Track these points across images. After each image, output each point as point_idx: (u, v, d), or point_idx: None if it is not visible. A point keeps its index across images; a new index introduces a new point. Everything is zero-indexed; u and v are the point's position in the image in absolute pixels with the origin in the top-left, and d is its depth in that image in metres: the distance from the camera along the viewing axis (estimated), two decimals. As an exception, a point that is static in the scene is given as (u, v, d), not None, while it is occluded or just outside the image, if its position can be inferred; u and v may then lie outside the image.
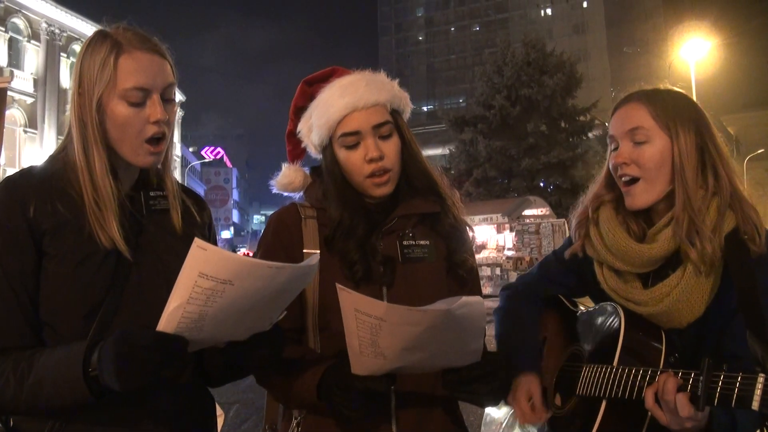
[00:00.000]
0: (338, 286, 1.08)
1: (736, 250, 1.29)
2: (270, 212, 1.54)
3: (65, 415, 1.13)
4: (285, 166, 1.53)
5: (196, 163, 52.62)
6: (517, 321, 1.60)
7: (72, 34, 27.72)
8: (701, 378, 1.07)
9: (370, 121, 1.36)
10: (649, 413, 1.20)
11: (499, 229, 20.19)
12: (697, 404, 1.08)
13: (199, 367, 1.32)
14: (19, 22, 25.64)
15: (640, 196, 1.39)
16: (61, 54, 27.37)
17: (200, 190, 50.94)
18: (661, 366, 1.28)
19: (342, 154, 1.38)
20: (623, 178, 1.40)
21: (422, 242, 1.41)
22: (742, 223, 1.31)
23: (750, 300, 1.21)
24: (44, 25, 26.64)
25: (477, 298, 1.09)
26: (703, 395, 1.06)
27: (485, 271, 18.97)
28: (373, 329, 1.07)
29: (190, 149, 56.82)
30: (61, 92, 26.76)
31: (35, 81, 26.24)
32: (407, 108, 1.46)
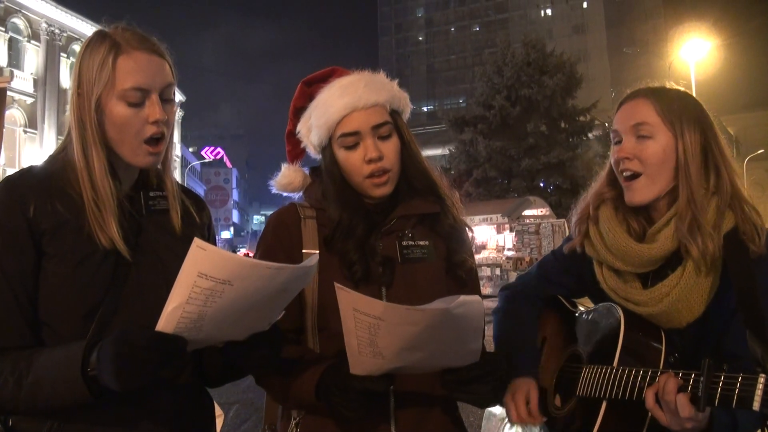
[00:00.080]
0: (336, 285, 1.08)
1: (735, 250, 1.29)
2: (270, 212, 1.54)
3: (64, 414, 1.13)
4: (284, 167, 1.53)
5: (195, 163, 52.64)
6: (516, 322, 1.60)
7: (72, 34, 27.74)
8: (702, 379, 1.07)
9: (369, 121, 1.36)
10: (650, 414, 1.20)
11: (499, 230, 20.18)
12: (697, 405, 1.08)
13: (199, 367, 1.32)
14: (19, 22, 25.65)
15: (640, 192, 1.39)
16: (61, 54, 27.39)
17: (200, 191, 50.94)
18: (661, 366, 1.28)
19: (341, 154, 1.38)
20: (624, 173, 1.40)
21: (421, 243, 1.41)
22: (741, 222, 1.32)
23: (749, 300, 1.21)
24: (44, 25, 26.65)
25: (475, 298, 1.09)
26: (703, 396, 1.06)
27: (485, 272, 18.96)
28: (372, 329, 1.07)
29: (190, 149, 56.85)
30: (61, 92, 26.76)
31: (35, 81, 26.26)
32: (407, 108, 1.46)
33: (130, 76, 1.19)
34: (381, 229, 1.39)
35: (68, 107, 1.25)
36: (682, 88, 1.45)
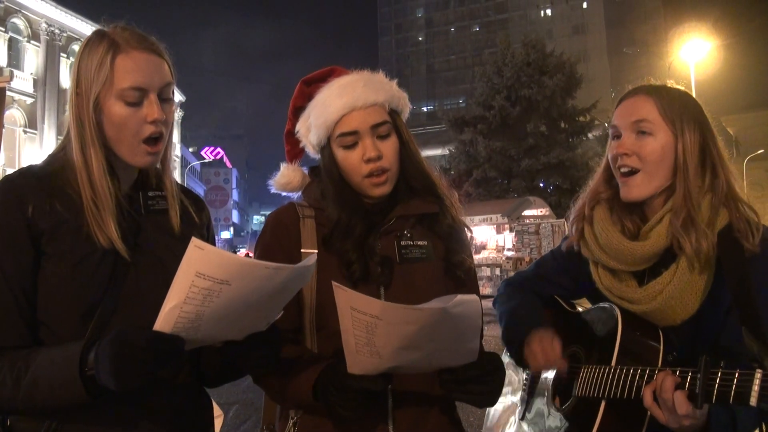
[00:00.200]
0: (334, 284, 1.08)
1: (729, 248, 1.29)
2: (270, 212, 1.53)
3: (62, 414, 1.13)
4: (283, 166, 1.53)
5: (195, 163, 52.63)
6: (523, 300, 1.62)
7: (72, 35, 27.74)
8: (699, 376, 1.07)
9: (368, 120, 1.36)
10: (649, 413, 1.20)
11: (499, 230, 20.16)
12: (695, 402, 1.08)
13: (197, 367, 1.32)
14: (19, 22, 25.66)
15: (637, 188, 1.39)
16: (61, 54, 27.39)
17: (200, 191, 50.95)
18: (659, 365, 1.28)
19: (340, 153, 1.38)
20: (622, 169, 1.41)
21: (420, 243, 1.41)
22: (735, 220, 1.32)
23: (744, 297, 1.21)
24: (44, 25, 26.65)
25: (473, 297, 1.09)
26: (701, 393, 1.07)
27: (485, 272, 18.94)
28: (369, 328, 1.07)
29: (190, 149, 56.83)
30: (60, 92, 26.77)
31: (35, 81, 26.26)
32: (406, 108, 1.46)
33: (129, 76, 1.19)
34: (380, 229, 1.39)
35: (67, 107, 1.25)
36: (683, 88, 1.46)
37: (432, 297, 1.19)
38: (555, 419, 1.48)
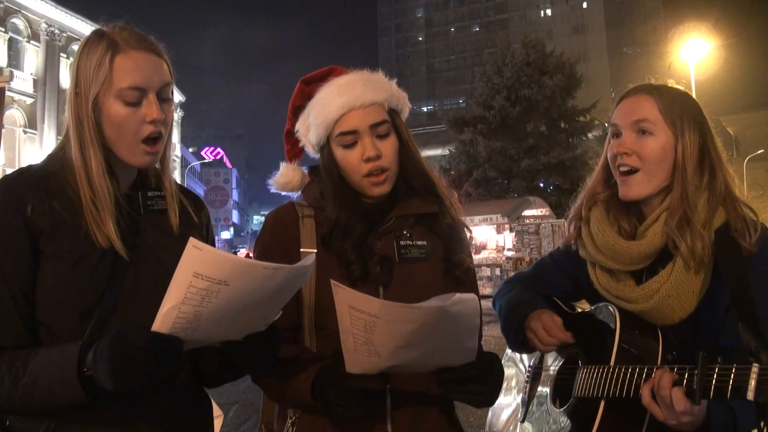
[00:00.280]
0: (333, 282, 1.08)
1: (726, 247, 1.29)
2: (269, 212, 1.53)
3: (61, 414, 1.13)
4: (283, 165, 1.53)
5: (195, 163, 52.63)
6: (519, 289, 1.64)
7: (72, 35, 27.74)
8: (696, 372, 1.07)
9: (367, 120, 1.35)
10: (648, 412, 1.20)
11: (499, 230, 20.16)
12: (693, 398, 1.08)
13: (196, 367, 1.32)
14: (18, 22, 25.65)
15: (636, 187, 1.39)
16: (61, 54, 27.39)
17: (200, 191, 50.94)
18: (658, 363, 1.28)
19: (339, 153, 1.38)
20: (621, 168, 1.41)
21: (419, 242, 1.41)
22: (733, 219, 1.32)
23: (742, 296, 1.22)
24: (44, 25, 26.65)
25: (471, 296, 1.09)
26: (698, 389, 1.07)
27: (485, 272, 18.94)
28: (368, 326, 1.07)
29: (190, 150, 56.86)
30: (60, 93, 26.76)
31: (35, 81, 26.26)
32: (405, 107, 1.46)
33: (128, 76, 1.19)
34: (379, 229, 1.39)
35: (66, 106, 1.25)
36: (683, 88, 1.46)
37: (431, 297, 1.19)
38: (555, 420, 1.48)
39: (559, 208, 22.74)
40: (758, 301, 1.19)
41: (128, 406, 1.17)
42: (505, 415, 1.75)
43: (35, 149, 25.45)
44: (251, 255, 1.38)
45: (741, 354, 1.12)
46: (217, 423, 1.63)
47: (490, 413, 1.81)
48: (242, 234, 74.65)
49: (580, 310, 1.62)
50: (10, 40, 25.33)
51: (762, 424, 1.19)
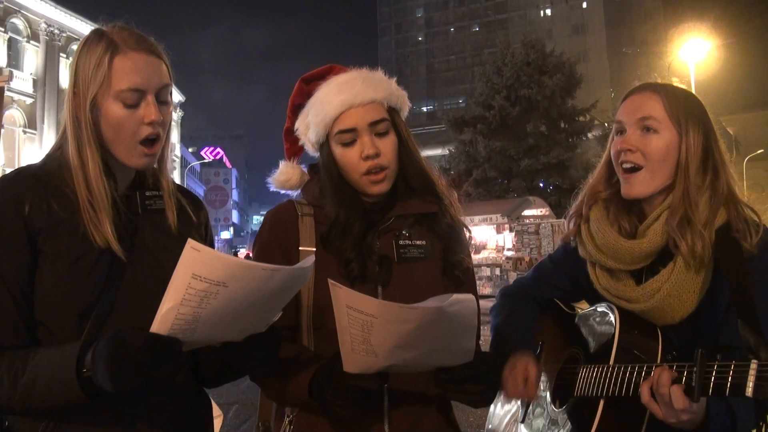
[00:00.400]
0: (331, 281, 1.08)
1: (727, 247, 1.29)
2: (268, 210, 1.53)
3: (60, 415, 1.13)
4: (282, 163, 1.53)
5: (195, 163, 52.62)
6: (513, 312, 1.61)
7: (71, 35, 27.73)
8: (695, 369, 1.07)
9: (366, 118, 1.35)
10: (648, 411, 1.20)
11: (499, 230, 20.18)
12: (691, 396, 1.08)
13: (196, 367, 1.32)
14: (18, 22, 25.64)
15: (639, 186, 1.38)
16: (61, 54, 27.37)
17: (200, 191, 50.95)
18: (657, 363, 1.28)
19: (338, 151, 1.38)
20: (624, 165, 1.40)
21: (419, 242, 1.41)
22: (734, 220, 1.32)
23: (743, 296, 1.21)
24: (43, 25, 26.64)
25: (468, 296, 1.09)
26: (697, 386, 1.06)
27: (485, 272, 18.96)
28: (365, 326, 1.07)
29: (190, 150, 56.80)
30: (60, 93, 26.72)
31: (34, 81, 26.25)
32: (405, 106, 1.45)
33: (127, 77, 1.19)
34: (378, 228, 1.38)
35: (64, 106, 1.25)
36: (688, 90, 1.46)
37: (430, 296, 1.18)
38: (555, 420, 1.48)
39: (559, 207, 22.76)
40: (759, 302, 1.19)
41: (127, 407, 1.17)
42: (504, 416, 1.75)
43: (35, 149, 25.44)
44: (251, 255, 1.38)
45: (740, 353, 1.11)
46: (217, 423, 1.63)
47: (489, 413, 1.81)
48: (242, 234, 74.66)
49: (579, 311, 1.62)
50: (10, 40, 25.32)
51: (761, 421, 1.19)
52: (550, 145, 26.77)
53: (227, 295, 0.99)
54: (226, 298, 0.99)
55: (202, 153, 59.98)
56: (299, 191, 1.49)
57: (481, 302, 1.40)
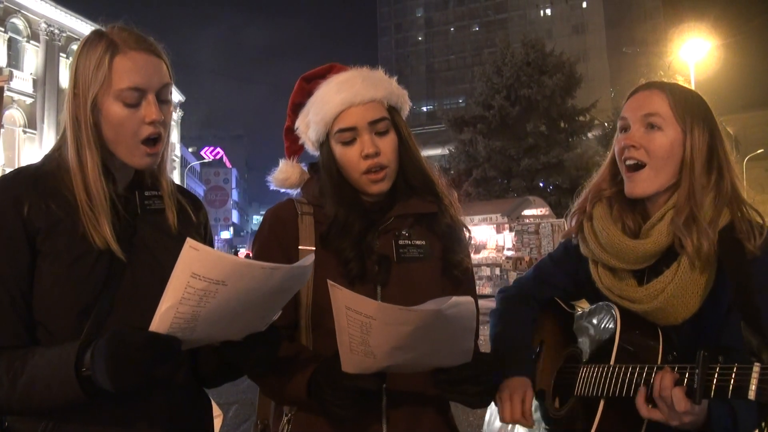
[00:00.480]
0: (330, 282, 1.08)
1: (730, 248, 1.29)
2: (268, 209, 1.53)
3: (59, 414, 1.13)
4: (282, 162, 1.53)
5: (195, 163, 52.59)
6: (512, 323, 1.59)
7: (71, 35, 27.72)
8: (697, 371, 1.07)
9: (366, 117, 1.35)
10: None
11: (499, 229, 20.18)
12: (693, 398, 1.08)
13: (195, 367, 1.32)
14: (18, 22, 25.64)
15: (642, 184, 1.38)
16: (61, 54, 27.37)
17: (200, 191, 50.95)
18: (658, 363, 1.28)
19: (338, 150, 1.38)
20: (628, 162, 1.39)
21: (418, 242, 1.40)
22: (738, 220, 1.32)
23: (745, 298, 1.21)
24: (43, 25, 26.64)
25: (467, 298, 1.09)
26: (699, 388, 1.06)
27: (485, 271, 18.95)
28: (364, 327, 1.07)
29: (190, 150, 56.80)
30: (60, 93, 26.71)
31: (34, 81, 26.25)
32: (405, 105, 1.45)
33: (127, 76, 1.19)
34: (378, 228, 1.38)
35: (64, 107, 1.25)
36: (693, 89, 1.46)
37: (429, 296, 1.18)
38: (555, 420, 1.48)
39: (559, 207, 22.78)
40: (762, 305, 1.19)
41: (127, 406, 1.17)
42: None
43: (35, 149, 25.43)
44: (251, 255, 1.38)
45: (742, 354, 1.11)
46: (217, 423, 1.63)
47: (488, 413, 1.81)
48: (242, 234, 74.62)
49: (580, 310, 1.62)
50: (10, 40, 25.32)
51: (763, 424, 1.19)
52: (550, 145, 26.76)
53: (226, 293, 0.99)
54: (226, 297, 0.99)
55: (202, 153, 59.96)
56: (299, 190, 1.49)
57: (481, 302, 1.40)
